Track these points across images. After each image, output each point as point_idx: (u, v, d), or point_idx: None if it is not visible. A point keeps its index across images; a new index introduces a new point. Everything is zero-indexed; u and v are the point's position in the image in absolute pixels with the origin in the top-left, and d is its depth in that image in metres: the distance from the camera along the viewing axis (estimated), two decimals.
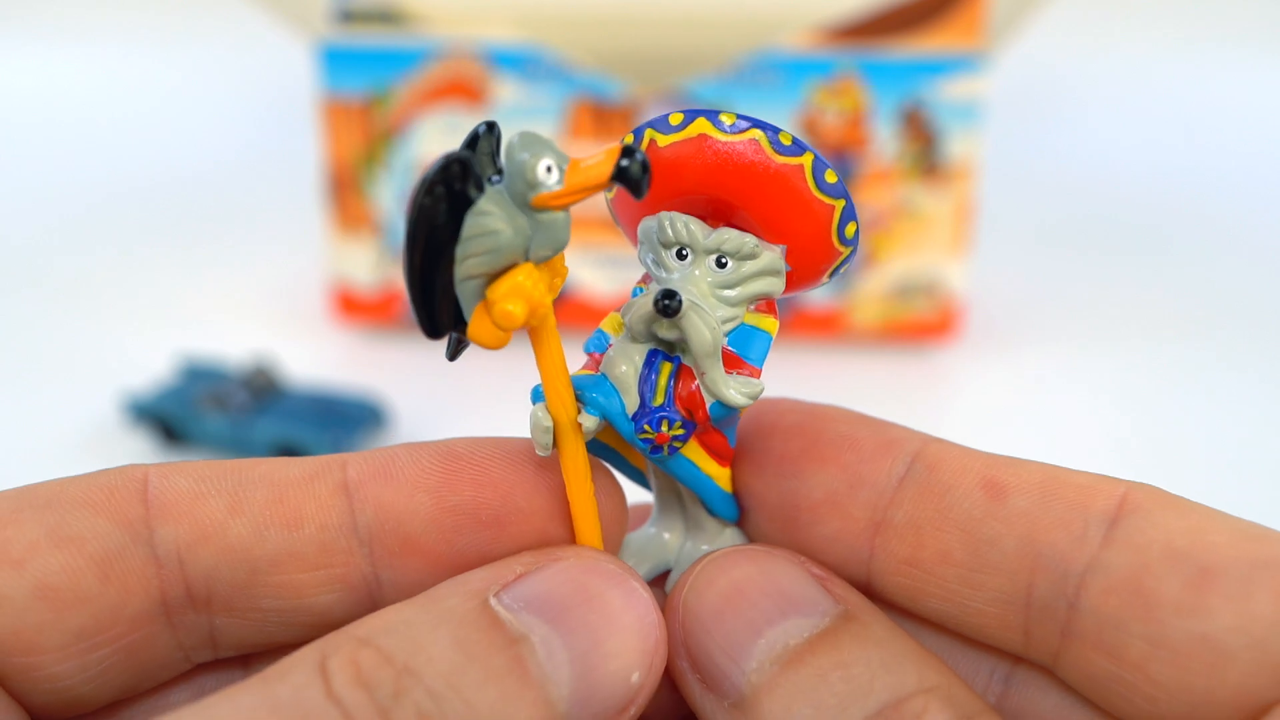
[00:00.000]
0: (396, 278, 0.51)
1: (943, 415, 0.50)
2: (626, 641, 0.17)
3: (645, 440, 0.18)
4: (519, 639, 0.16)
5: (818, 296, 0.51)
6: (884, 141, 0.49)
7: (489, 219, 0.16)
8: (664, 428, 0.18)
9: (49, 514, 0.17)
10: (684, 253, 0.18)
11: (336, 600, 0.18)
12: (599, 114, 0.48)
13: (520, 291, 0.16)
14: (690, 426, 0.18)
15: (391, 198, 0.50)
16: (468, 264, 0.16)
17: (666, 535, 0.20)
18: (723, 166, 0.17)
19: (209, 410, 0.43)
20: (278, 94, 0.74)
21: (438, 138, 0.49)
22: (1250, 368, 0.52)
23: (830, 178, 0.17)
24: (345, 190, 0.50)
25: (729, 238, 0.18)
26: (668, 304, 0.17)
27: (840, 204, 0.18)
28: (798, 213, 0.18)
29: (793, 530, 0.19)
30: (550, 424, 0.17)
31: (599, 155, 0.16)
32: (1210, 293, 0.58)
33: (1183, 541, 0.16)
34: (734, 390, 0.18)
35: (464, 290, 0.16)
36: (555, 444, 0.18)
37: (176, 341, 0.50)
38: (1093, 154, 0.74)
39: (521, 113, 0.48)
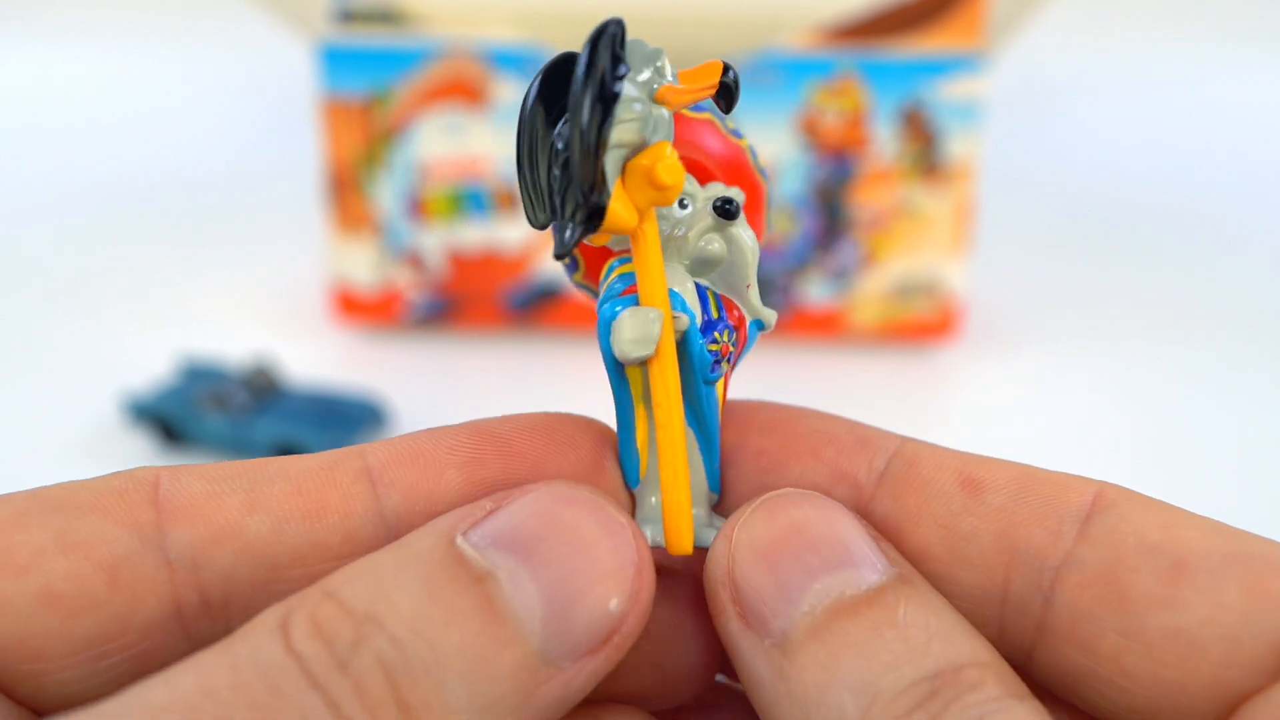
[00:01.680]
0: (396, 278, 0.51)
1: (943, 415, 0.50)
2: (601, 568, 0.16)
3: (713, 353, 0.18)
4: (484, 576, 0.15)
5: (818, 296, 0.51)
6: (884, 141, 0.49)
7: (633, 91, 0.17)
8: (726, 337, 0.18)
9: (57, 519, 0.17)
10: (685, 203, 0.19)
11: None
12: None
13: (674, 156, 0.17)
14: (737, 345, 0.19)
15: (391, 198, 0.50)
16: (620, 129, 0.17)
17: (653, 500, 0.20)
18: (693, 134, 0.19)
19: (209, 410, 0.43)
20: (278, 94, 0.74)
21: (438, 138, 0.49)
22: (1251, 367, 0.52)
23: (762, 162, 0.20)
24: (345, 190, 0.50)
25: (718, 187, 0.19)
26: (728, 208, 0.18)
27: (767, 186, 0.20)
28: (750, 186, 0.20)
29: None
30: (662, 318, 0.17)
31: (702, 66, 0.18)
32: (1211, 293, 0.58)
33: (1156, 536, 0.17)
34: (767, 310, 0.19)
35: (611, 160, 0.17)
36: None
37: (176, 341, 0.50)
38: (1093, 154, 0.75)
39: None
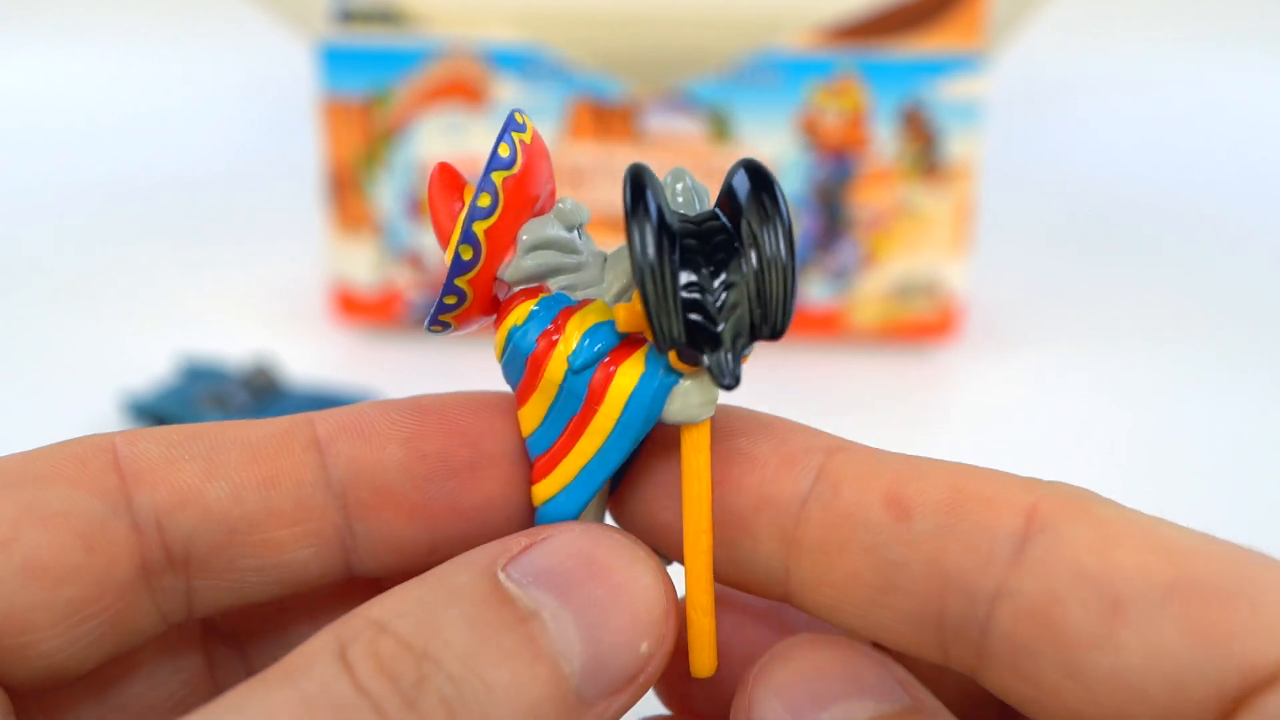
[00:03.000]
0: (396, 278, 0.51)
1: (943, 415, 0.50)
2: (634, 613, 0.17)
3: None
4: (530, 616, 0.16)
5: (817, 296, 0.51)
6: (884, 141, 0.49)
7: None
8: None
9: (22, 491, 0.17)
10: (580, 234, 0.19)
11: (313, 555, 0.18)
12: (599, 114, 0.48)
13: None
14: None
15: (392, 198, 0.50)
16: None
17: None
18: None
19: (209, 410, 0.43)
20: (278, 94, 0.74)
21: (438, 138, 0.49)
22: (1251, 367, 0.52)
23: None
24: (345, 190, 0.50)
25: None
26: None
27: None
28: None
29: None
30: (716, 395, 0.18)
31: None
32: (1211, 293, 0.58)
33: (1091, 563, 0.16)
34: None
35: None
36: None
37: (176, 341, 0.50)
38: (1093, 154, 0.75)
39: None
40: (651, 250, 0.16)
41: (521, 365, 0.18)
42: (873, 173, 0.49)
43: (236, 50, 0.78)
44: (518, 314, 0.18)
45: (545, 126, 0.49)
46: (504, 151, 0.18)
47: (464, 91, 0.48)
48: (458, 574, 0.17)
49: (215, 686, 0.20)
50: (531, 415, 0.19)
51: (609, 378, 0.18)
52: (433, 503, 0.19)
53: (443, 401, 0.19)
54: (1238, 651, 0.15)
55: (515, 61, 0.48)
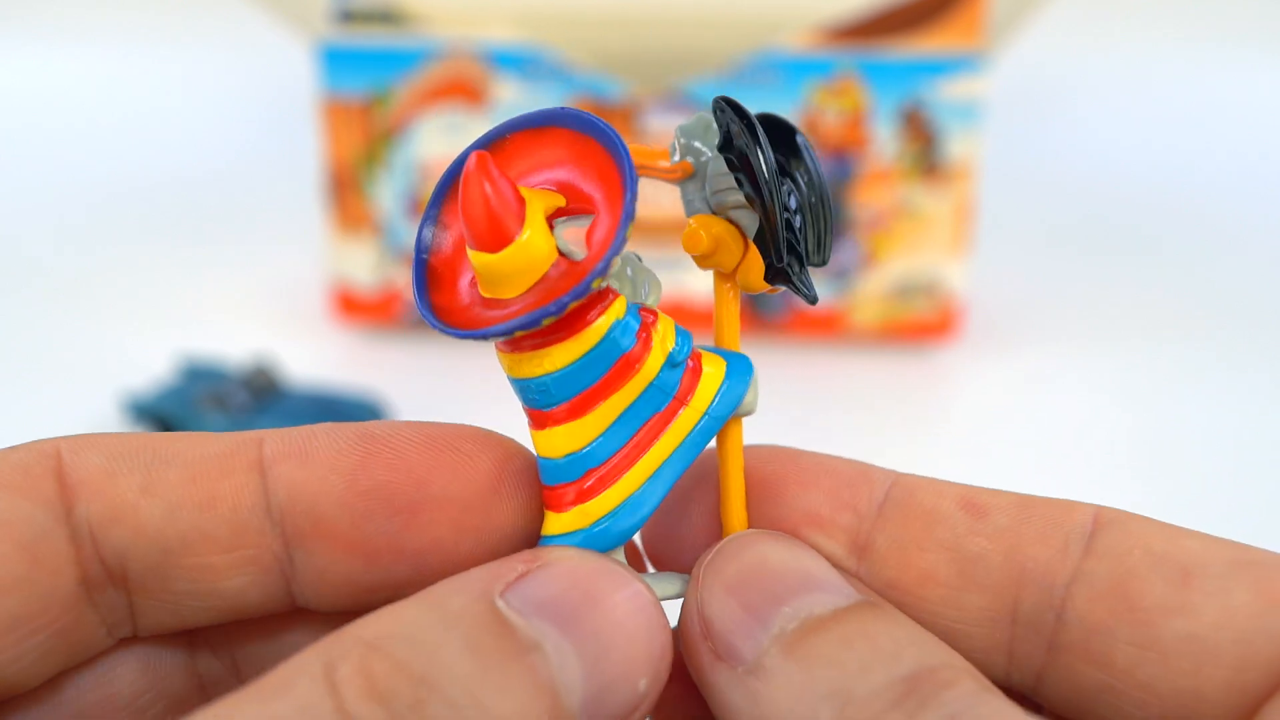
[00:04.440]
0: (396, 278, 0.51)
1: (943, 415, 0.50)
2: (635, 648, 0.16)
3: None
4: (532, 647, 0.15)
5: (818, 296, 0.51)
6: (884, 141, 0.49)
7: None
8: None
9: None
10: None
11: (250, 583, 0.18)
12: (599, 114, 0.48)
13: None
14: None
15: (391, 198, 0.50)
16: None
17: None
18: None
19: (209, 410, 0.43)
20: (278, 94, 0.74)
21: (438, 138, 0.49)
22: (1251, 367, 0.52)
23: None
24: (345, 190, 0.50)
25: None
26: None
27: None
28: None
29: None
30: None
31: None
32: (1211, 293, 0.58)
33: (1161, 546, 0.17)
34: None
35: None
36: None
37: (176, 341, 0.50)
38: (1093, 154, 0.74)
39: (521, 112, 0.48)
40: (773, 169, 0.17)
41: (610, 362, 0.17)
42: (873, 173, 0.49)
43: (237, 50, 0.78)
44: (618, 308, 0.17)
45: None
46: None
47: (464, 91, 0.48)
48: (453, 597, 0.16)
49: (203, 696, 0.20)
50: (597, 422, 0.17)
51: (697, 371, 0.18)
52: (371, 540, 0.18)
53: (396, 433, 0.18)
54: None
55: (515, 61, 0.48)
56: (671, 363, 0.17)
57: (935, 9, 0.47)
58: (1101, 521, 0.17)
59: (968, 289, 0.53)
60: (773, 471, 0.19)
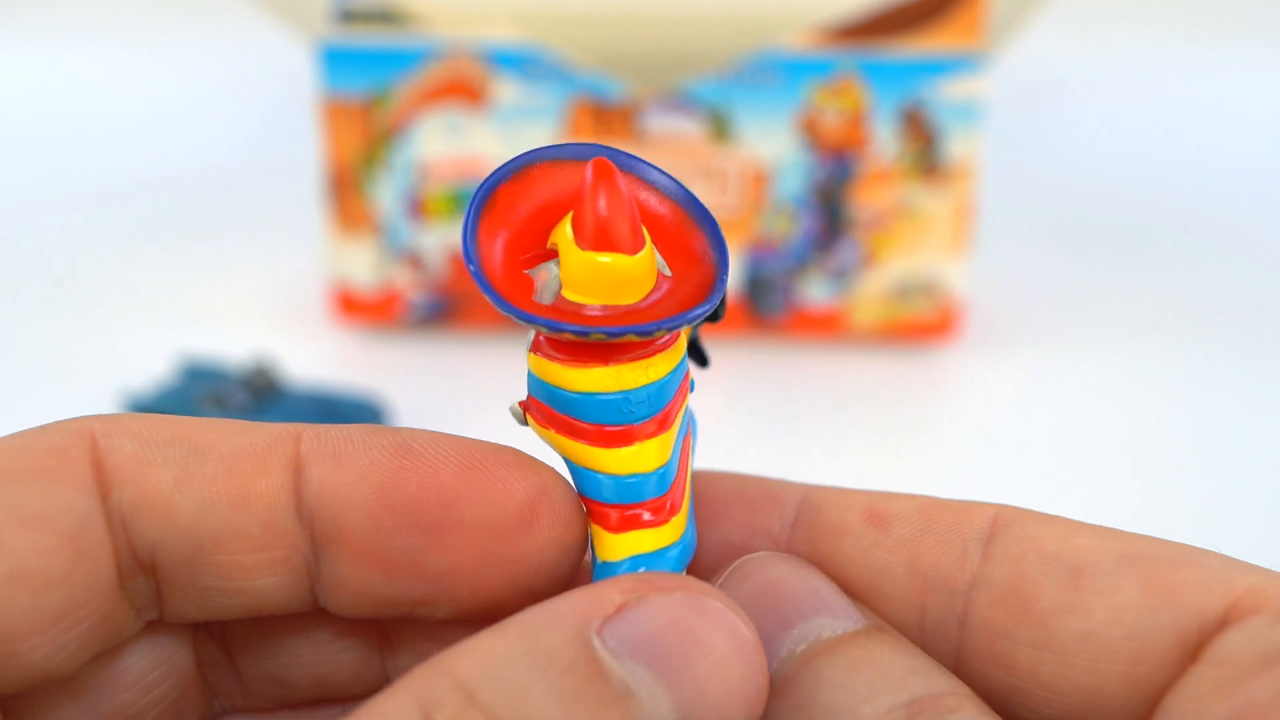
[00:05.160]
0: (396, 278, 0.51)
1: (943, 415, 0.50)
2: (731, 691, 0.15)
3: None
4: (625, 695, 0.15)
5: (818, 296, 0.51)
6: (884, 141, 0.49)
7: None
8: None
9: (1, 490, 0.16)
10: None
11: (278, 583, 0.17)
12: (599, 114, 0.48)
13: None
14: None
15: (392, 198, 0.50)
16: None
17: None
18: None
19: (209, 410, 0.43)
20: (277, 94, 0.74)
21: (438, 138, 0.49)
22: (1253, 367, 0.52)
23: None
24: (345, 190, 0.50)
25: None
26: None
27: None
28: None
29: None
30: None
31: None
32: (1213, 292, 0.58)
33: (1053, 547, 0.17)
34: None
35: None
36: None
37: (176, 341, 0.50)
38: (1093, 154, 0.74)
39: (521, 113, 0.48)
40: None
41: (683, 373, 0.18)
42: (873, 173, 0.49)
43: (236, 50, 0.78)
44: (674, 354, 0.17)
45: (545, 126, 0.49)
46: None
47: (464, 91, 0.48)
48: (547, 634, 0.15)
49: (205, 685, 0.20)
50: (663, 446, 0.17)
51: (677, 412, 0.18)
52: (392, 556, 0.17)
53: (432, 448, 0.18)
54: (1191, 602, 0.16)
55: (515, 61, 0.48)
56: (692, 387, 0.18)
57: (935, 9, 0.47)
58: (999, 524, 0.18)
59: (968, 289, 0.53)
60: (707, 504, 0.20)
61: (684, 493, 0.18)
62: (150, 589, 0.18)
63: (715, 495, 0.20)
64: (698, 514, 0.19)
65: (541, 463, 0.18)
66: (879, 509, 0.19)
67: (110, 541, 0.17)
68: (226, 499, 0.17)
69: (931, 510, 0.18)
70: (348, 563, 0.17)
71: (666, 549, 0.18)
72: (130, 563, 0.17)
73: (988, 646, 0.17)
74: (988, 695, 0.17)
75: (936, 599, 0.18)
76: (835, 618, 0.17)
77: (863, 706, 0.16)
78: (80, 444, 0.17)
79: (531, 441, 0.18)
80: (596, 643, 0.15)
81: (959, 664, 0.18)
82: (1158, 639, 0.16)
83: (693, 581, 0.16)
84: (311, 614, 0.19)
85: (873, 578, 0.18)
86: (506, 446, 0.18)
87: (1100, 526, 0.18)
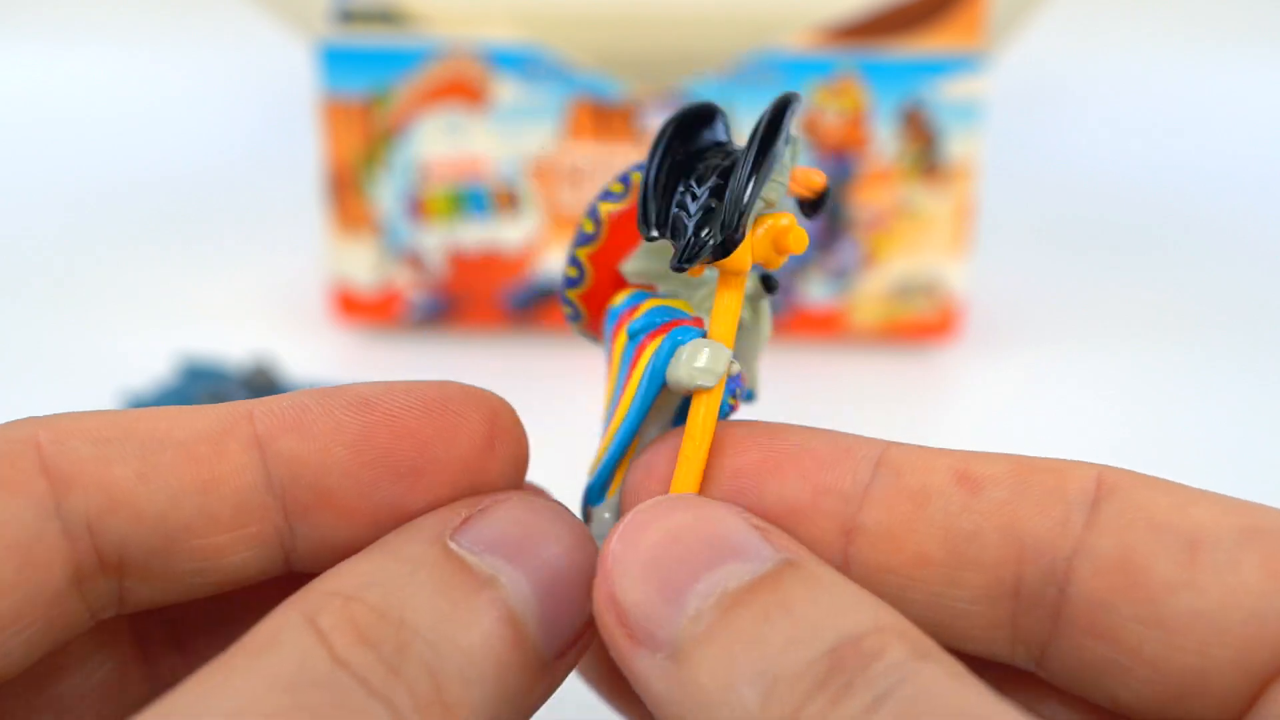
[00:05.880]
0: (396, 278, 0.51)
1: (943, 415, 0.50)
2: (576, 574, 0.17)
3: (727, 405, 0.19)
4: (490, 581, 0.16)
5: (818, 296, 0.51)
6: (884, 141, 0.49)
7: (787, 159, 0.19)
8: (738, 394, 0.19)
9: None
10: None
11: (253, 557, 0.18)
12: (599, 114, 0.48)
13: (801, 228, 0.19)
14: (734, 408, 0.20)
15: (391, 198, 0.50)
16: (771, 185, 0.18)
17: (607, 517, 0.20)
18: None
19: None
20: (277, 94, 0.74)
21: (438, 138, 0.49)
22: (1253, 367, 0.52)
23: None
24: (345, 190, 0.50)
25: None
26: (772, 281, 0.20)
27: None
28: None
29: None
30: (730, 357, 0.18)
31: (812, 171, 0.20)
32: (1213, 292, 0.58)
33: (1166, 517, 0.16)
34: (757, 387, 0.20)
35: (754, 207, 0.18)
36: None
37: (176, 341, 0.50)
38: (1093, 154, 0.74)
39: (521, 113, 0.48)
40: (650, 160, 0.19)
41: (609, 340, 0.20)
42: (873, 173, 0.49)
43: (236, 50, 0.78)
44: (617, 298, 0.20)
45: (545, 127, 0.49)
46: (616, 188, 0.20)
47: (464, 91, 0.48)
48: (407, 545, 0.16)
49: (149, 667, 0.20)
50: (609, 388, 0.20)
51: (645, 343, 0.19)
52: (377, 507, 0.18)
53: (390, 396, 0.18)
54: None
55: (515, 61, 0.48)
56: (629, 335, 0.19)
57: (935, 9, 0.47)
58: (1105, 487, 0.17)
59: (968, 289, 0.53)
60: (748, 461, 0.18)
61: (606, 437, 0.20)
62: (111, 588, 0.18)
63: (780, 448, 0.18)
64: (756, 477, 0.18)
65: (487, 392, 0.19)
66: (969, 470, 0.18)
67: (68, 548, 0.17)
68: (193, 485, 0.17)
69: (1026, 471, 0.17)
70: (332, 524, 0.18)
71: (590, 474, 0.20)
72: (92, 565, 0.17)
73: (1089, 618, 0.16)
74: (1082, 667, 0.17)
75: (1034, 566, 0.17)
76: (743, 561, 0.16)
77: (781, 661, 0.15)
78: (25, 452, 0.17)
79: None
80: (454, 545, 0.16)
81: (1055, 633, 0.17)
82: (1275, 627, 0.15)
83: (528, 486, 0.19)
84: (268, 583, 0.19)
85: (963, 544, 0.17)
86: (451, 383, 0.19)
87: (1217, 494, 0.17)
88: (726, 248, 0.18)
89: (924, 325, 0.52)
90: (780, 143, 0.18)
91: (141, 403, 0.44)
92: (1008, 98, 0.63)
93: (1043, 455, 0.19)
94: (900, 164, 0.49)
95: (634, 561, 0.17)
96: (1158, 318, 0.56)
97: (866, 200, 0.50)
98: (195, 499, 0.17)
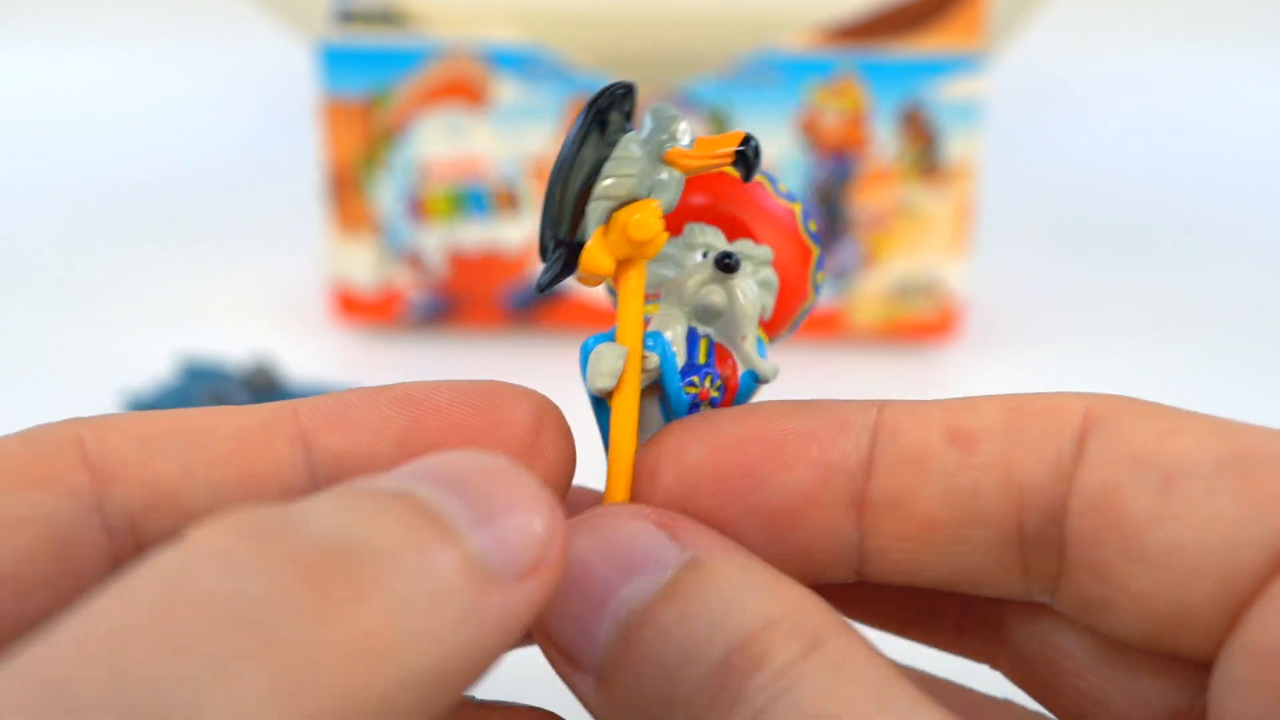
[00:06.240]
0: (396, 278, 0.51)
1: None
2: (519, 493, 0.15)
3: (690, 394, 0.19)
4: (404, 493, 0.14)
5: (817, 297, 0.51)
6: (884, 141, 0.49)
7: (634, 148, 0.18)
8: (707, 383, 0.19)
9: None
10: (706, 254, 0.20)
11: None
12: None
13: (654, 214, 0.18)
14: (723, 393, 0.19)
15: (392, 198, 0.50)
16: (607, 183, 0.18)
17: None
18: (739, 191, 0.20)
19: None
20: (277, 94, 0.74)
21: (438, 138, 0.49)
22: (1253, 367, 0.52)
23: (813, 226, 0.20)
24: (345, 190, 0.50)
25: (748, 244, 0.20)
26: (728, 261, 0.19)
27: (816, 251, 0.20)
28: (788, 249, 0.20)
29: (775, 540, 0.18)
30: (625, 353, 0.18)
31: (723, 136, 0.19)
32: (1212, 292, 0.58)
33: (1148, 448, 0.16)
34: (766, 362, 0.20)
35: (593, 209, 0.18)
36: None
37: (176, 341, 0.50)
38: (1093, 154, 0.74)
39: (521, 113, 0.48)
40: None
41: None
42: (873, 173, 0.49)
43: (236, 50, 0.78)
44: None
45: (545, 127, 0.49)
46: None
47: (464, 92, 0.48)
48: (324, 495, 0.15)
49: None
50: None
51: None
52: None
53: (435, 394, 0.18)
54: None
55: (515, 61, 0.48)
56: None
57: (935, 9, 0.47)
58: (1091, 420, 0.17)
59: (968, 289, 0.53)
60: (749, 458, 0.18)
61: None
62: None
63: (783, 434, 0.18)
64: (764, 473, 0.18)
65: (532, 390, 0.19)
66: (961, 426, 0.17)
67: (109, 544, 0.17)
68: (237, 479, 0.17)
69: (1018, 416, 0.17)
70: None
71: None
72: (133, 555, 0.17)
73: (1083, 556, 0.16)
74: (1084, 604, 0.17)
75: (1034, 511, 0.17)
76: (645, 573, 0.16)
77: (680, 683, 0.15)
78: (68, 450, 0.17)
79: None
80: (367, 483, 0.15)
81: (1062, 577, 0.17)
82: (1250, 554, 0.15)
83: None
84: None
85: (966, 502, 0.17)
86: (497, 381, 0.18)
87: (1206, 417, 0.16)
88: (568, 260, 0.18)
89: (924, 325, 0.52)
90: (610, 137, 0.18)
91: (141, 403, 0.44)
92: (1007, 98, 0.63)
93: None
94: (900, 164, 0.49)
95: (556, 597, 0.16)
96: (1157, 318, 0.56)
97: (866, 200, 0.50)
98: (239, 492, 0.17)
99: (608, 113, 0.18)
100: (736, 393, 0.19)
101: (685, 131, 0.18)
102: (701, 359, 0.19)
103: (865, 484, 0.18)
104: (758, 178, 0.20)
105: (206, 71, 0.81)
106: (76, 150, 0.74)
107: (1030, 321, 0.55)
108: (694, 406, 0.19)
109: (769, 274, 0.20)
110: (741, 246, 0.20)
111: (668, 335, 0.19)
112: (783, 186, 0.20)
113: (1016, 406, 0.18)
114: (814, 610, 0.15)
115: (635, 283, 0.18)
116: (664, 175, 0.18)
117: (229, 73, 0.80)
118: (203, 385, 0.44)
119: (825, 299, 0.51)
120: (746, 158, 0.18)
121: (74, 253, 0.62)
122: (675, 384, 0.19)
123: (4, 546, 0.16)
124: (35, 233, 0.64)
